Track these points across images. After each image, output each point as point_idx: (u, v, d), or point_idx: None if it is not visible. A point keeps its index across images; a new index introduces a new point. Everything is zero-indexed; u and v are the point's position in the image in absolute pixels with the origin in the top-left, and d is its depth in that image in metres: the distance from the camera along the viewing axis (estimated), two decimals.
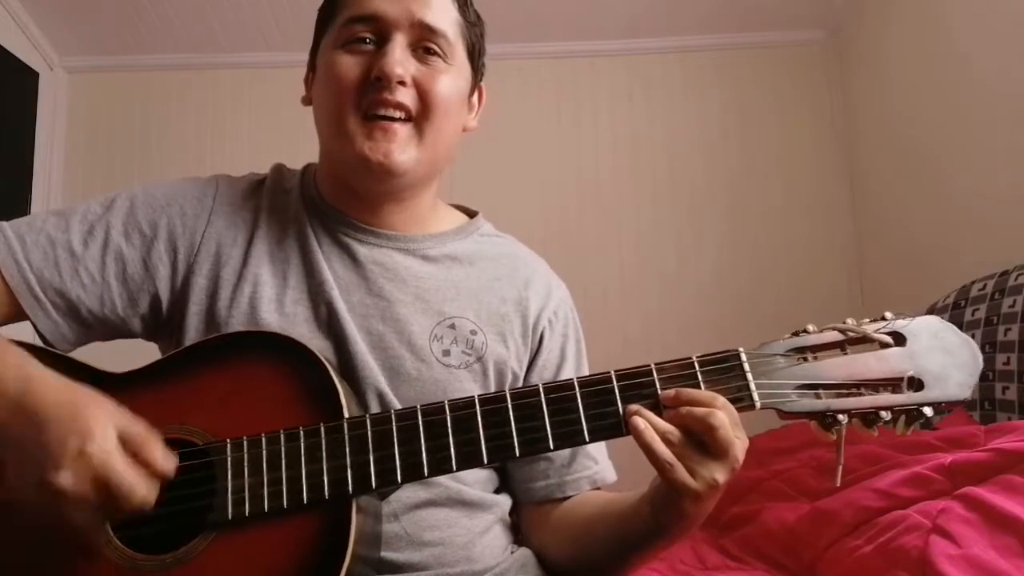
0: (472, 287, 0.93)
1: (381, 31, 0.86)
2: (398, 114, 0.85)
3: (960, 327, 0.75)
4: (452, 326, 0.89)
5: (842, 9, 2.74)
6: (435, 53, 0.87)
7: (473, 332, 0.90)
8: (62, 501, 0.63)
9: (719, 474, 0.68)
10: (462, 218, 1.01)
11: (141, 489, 0.66)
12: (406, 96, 0.85)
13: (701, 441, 0.68)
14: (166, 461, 0.68)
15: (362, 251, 0.90)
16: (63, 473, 0.63)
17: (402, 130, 0.85)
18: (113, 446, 0.65)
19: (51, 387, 0.68)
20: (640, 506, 0.78)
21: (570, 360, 0.97)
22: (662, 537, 0.78)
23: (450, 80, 0.88)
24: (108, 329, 0.89)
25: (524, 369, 0.94)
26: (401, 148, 0.85)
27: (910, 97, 2.37)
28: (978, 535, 1.02)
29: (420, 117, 0.86)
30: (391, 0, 0.86)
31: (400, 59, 0.84)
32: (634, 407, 0.70)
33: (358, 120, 0.84)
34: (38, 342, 0.85)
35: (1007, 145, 1.89)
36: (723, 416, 0.67)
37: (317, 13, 0.94)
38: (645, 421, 0.69)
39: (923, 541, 1.05)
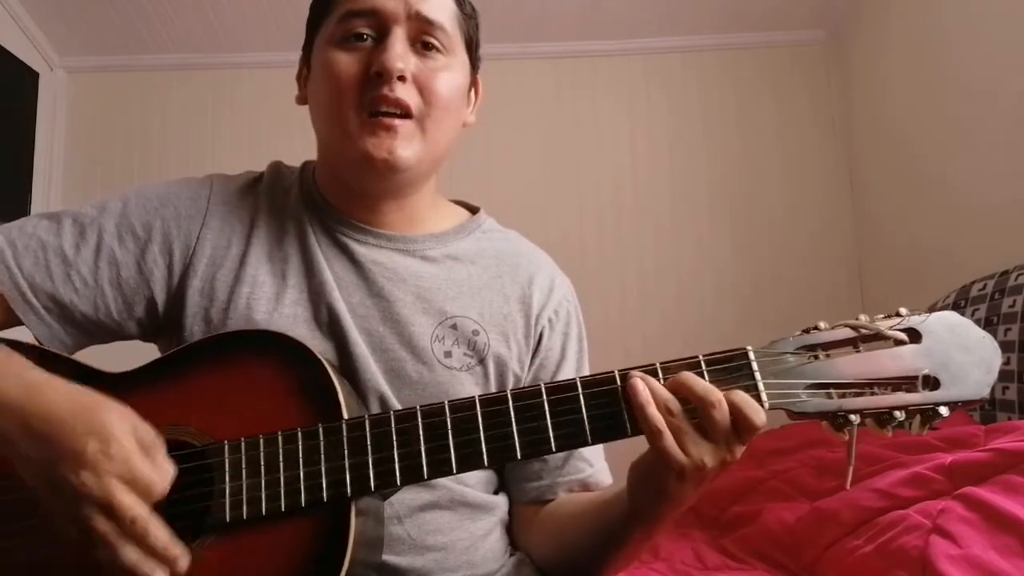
0: (475, 286, 0.91)
1: (380, 25, 0.84)
2: (399, 112, 0.83)
3: None
4: (454, 326, 0.88)
5: (842, 9, 2.74)
6: (434, 48, 0.86)
7: (475, 332, 0.89)
8: (85, 501, 0.62)
9: (708, 457, 0.66)
10: (463, 215, 0.99)
11: (162, 485, 0.65)
12: (407, 93, 0.83)
13: (699, 423, 0.66)
14: (171, 466, 0.68)
15: (361, 251, 0.89)
16: (85, 473, 0.62)
17: (404, 126, 0.83)
18: (134, 446, 0.65)
19: (59, 391, 0.67)
20: (620, 494, 0.77)
21: (570, 359, 0.95)
22: (640, 521, 0.75)
23: (451, 75, 0.87)
24: (105, 333, 0.88)
25: (525, 369, 0.93)
26: (404, 144, 0.83)
27: (910, 97, 2.36)
28: (978, 535, 1.02)
29: (422, 114, 0.84)
30: None
31: (401, 53, 0.83)
32: (637, 372, 0.68)
33: (360, 118, 0.83)
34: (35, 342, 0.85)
35: (1007, 145, 1.89)
36: (720, 395, 0.65)
37: (309, 9, 0.92)
38: (644, 384, 0.67)
39: (923, 541, 1.05)
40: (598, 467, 0.94)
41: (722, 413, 0.65)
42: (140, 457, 0.65)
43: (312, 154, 0.96)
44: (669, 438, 0.66)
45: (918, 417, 0.67)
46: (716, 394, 0.66)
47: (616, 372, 0.70)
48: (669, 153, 2.85)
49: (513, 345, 0.91)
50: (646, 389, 0.67)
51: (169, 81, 2.94)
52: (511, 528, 0.95)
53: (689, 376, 0.67)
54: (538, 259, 0.99)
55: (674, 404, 0.67)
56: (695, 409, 0.66)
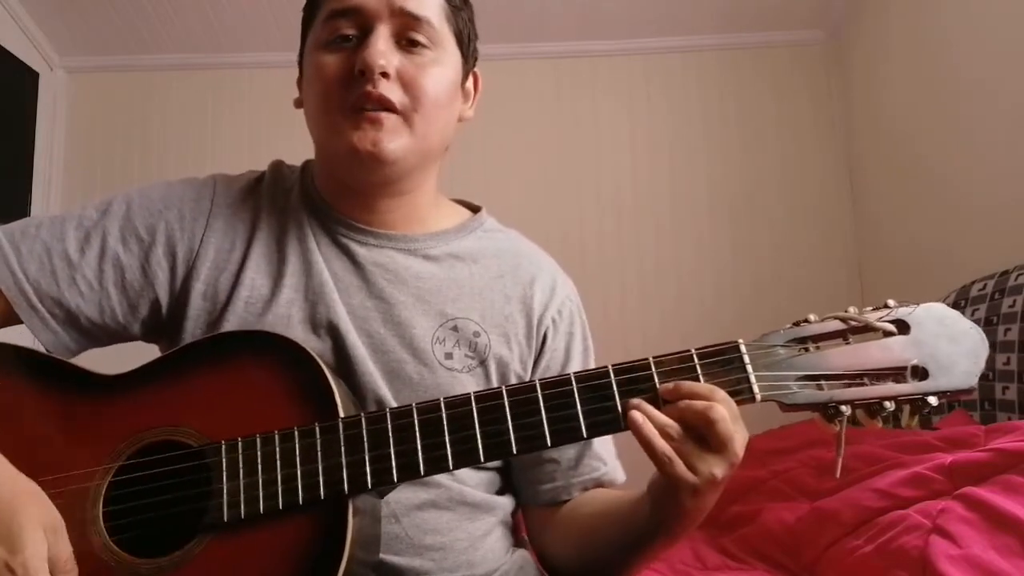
0: (476, 286, 0.91)
1: (363, 24, 0.84)
2: (383, 109, 0.82)
3: None
4: (455, 328, 0.88)
5: (842, 9, 2.74)
6: (420, 43, 0.85)
7: (476, 334, 0.88)
8: None
9: (718, 468, 0.67)
10: (465, 214, 0.99)
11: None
12: (390, 90, 0.82)
13: (700, 435, 0.67)
14: (66, 546, 0.67)
15: (362, 252, 0.89)
16: None
17: (390, 119, 0.83)
18: (39, 564, 0.64)
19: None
20: (641, 503, 0.78)
21: (576, 359, 0.95)
22: (663, 534, 0.77)
23: (438, 71, 0.86)
24: (109, 335, 0.88)
25: (528, 371, 0.92)
26: (390, 137, 0.83)
27: (910, 97, 2.36)
28: (978, 535, 1.02)
29: (408, 109, 0.84)
30: None
31: (383, 50, 0.82)
32: (634, 401, 0.69)
33: (346, 115, 0.83)
34: (37, 346, 0.85)
35: (1007, 145, 1.89)
36: (722, 410, 0.66)
37: (302, 14, 0.92)
38: (643, 416, 0.68)
39: (923, 541, 1.05)
40: (611, 465, 0.94)
41: (725, 426, 0.66)
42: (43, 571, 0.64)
43: (312, 153, 0.96)
44: (679, 463, 0.67)
45: (908, 407, 0.68)
46: (717, 410, 0.67)
47: (610, 367, 0.71)
48: (669, 153, 2.84)
49: (515, 346, 0.91)
50: (647, 421, 0.68)
51: (169, 81, 2.94)
52: (522, 530, 0.95)
53: (686, 387, 0.69)
54: (539, 260, 0.99)
55: (674, 429, 0.68)
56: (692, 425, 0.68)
